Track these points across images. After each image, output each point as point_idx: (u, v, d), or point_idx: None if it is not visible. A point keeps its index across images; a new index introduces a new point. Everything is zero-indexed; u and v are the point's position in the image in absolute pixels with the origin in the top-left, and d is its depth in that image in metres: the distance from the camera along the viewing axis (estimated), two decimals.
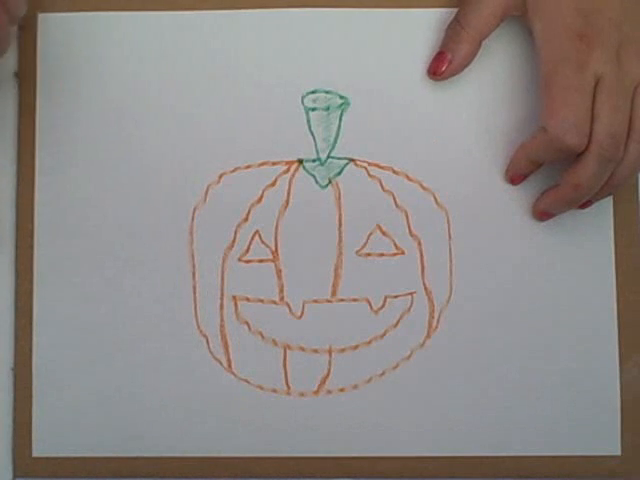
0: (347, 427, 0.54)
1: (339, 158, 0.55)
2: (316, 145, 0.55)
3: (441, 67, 0.53)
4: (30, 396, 0.54)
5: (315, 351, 0.54)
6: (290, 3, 0.55)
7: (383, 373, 0.54)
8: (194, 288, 0.55)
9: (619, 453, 0.54)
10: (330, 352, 0.54)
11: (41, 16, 0.55)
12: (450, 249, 0.55)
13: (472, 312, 0.54)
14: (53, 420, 0.54)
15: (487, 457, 0.54)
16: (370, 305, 0.54)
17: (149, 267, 0.55)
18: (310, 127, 0.55)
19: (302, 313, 0.54)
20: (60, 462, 0.54)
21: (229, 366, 0.54)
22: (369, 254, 0.54)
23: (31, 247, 0.55)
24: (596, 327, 0.54)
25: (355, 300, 0.54)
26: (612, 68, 0.49)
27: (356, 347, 0.54)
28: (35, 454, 0.54)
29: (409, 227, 0.54)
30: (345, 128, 0.55)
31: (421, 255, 0.54)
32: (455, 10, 0.53)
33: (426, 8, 0.55)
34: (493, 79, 0.55)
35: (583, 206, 0.53)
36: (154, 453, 0.54)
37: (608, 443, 0.54)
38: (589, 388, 0.54)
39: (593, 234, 0.55)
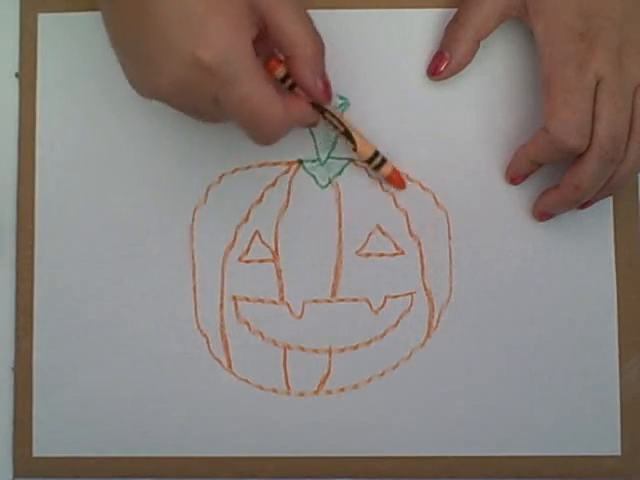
0: (347, 427, 0.54)
1: (339, 158, 0.55)
2: (316, 145, 0.55)
3: (440, 67, 0.53)
4: (30, 396, 0.54)
5: (315, 351, 0.54)
6: None
7: (383, 373, 0.54)
8: (194, 288, 0.55)
9: (619, 453, 0.54)
10: (330, 352, 0.54)
11: (41, 16, 0.55)
12: (450, 249, 0.55)
13: (472, 312, 0.54)
14: (53, 420, 0.54)
15: (487, 457, 0.54)
16: (370, 305, 0.54)
17: (149, 267, 0.55)
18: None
19: (302, 313, 0.54)
20: (60, 462, 0.54)
21: (229, 366, 0.54)
22: (369, 254, 0.54)
23: (31, 247, 0.55)
24: (596, 327, 0.54)
25: (355, 300, 0.54)
26: (613, 68, 0.49)
27: (356, 347, 0.54)
28: (35, 454, 0.54)
29: (409, 227, 0.54)
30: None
31: (421, 255, 0.54)
32: (455, 10, 0.53)
33: (426, 8, 0.55)
34: (493, 79, 0.55)
35: (583, 206, 0.53)
36: (154, 453, 0.54)
37: (608, 443, 0.54)
38: (589, 388, 0.54)
39: (593, 234, 0.55)
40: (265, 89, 0.45)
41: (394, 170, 0.54)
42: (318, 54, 0.48)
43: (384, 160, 0.53)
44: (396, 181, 0.54)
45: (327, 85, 0.49)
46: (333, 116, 0.52)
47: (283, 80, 0.49)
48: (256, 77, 0.45)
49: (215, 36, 0.44)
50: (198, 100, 0.46)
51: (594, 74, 0.49)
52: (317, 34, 0.48)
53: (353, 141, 0.52)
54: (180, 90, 0.45)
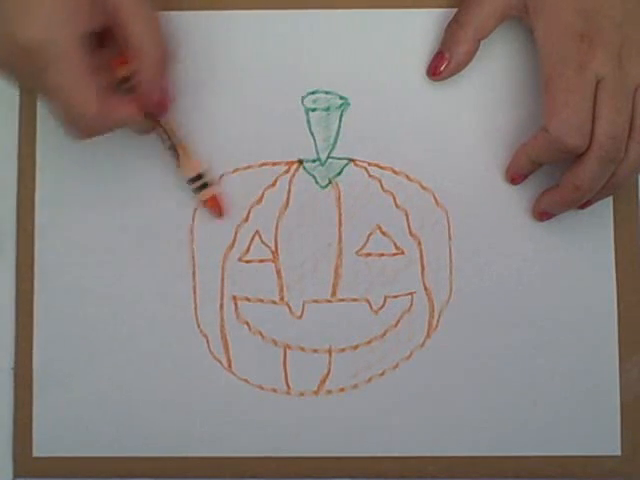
0: (347, 427, 0.54)
1: (339, 158, 0.55)
2: (316, 145, 0.55)
3: (439, 67, 0.53)
4: (30, 396, 0.54)
5: (315, 351, 0.54)
6: (290, 4, 0.55)
7: (383, 373, 0.54)
8: (194, 288, 0.55)
9: (619, 453, 0.54)
10: (330, 352, 0.54)
11: None
12: (450, 249, 0.55)
13: (472, 312, 0.54)
14: (53, 420, 0.54)
15: (487, 457, 0.54)
16: (370, 305, 0.54)
17: (149, 267, 0.55)
18: (310, 127, 0.55)
19: (302, 313, 0.54)
20: (60, 462, 0.54)
21: (229, 366, 0.54)
22: (369, 254, 0.54)
23: (31, 247, 0.55)
24: (596, 327, 0.54)
25: (355, 300, 0.54)
26: (613, 68, 0.49)
27: (356, 347, 0.54)
28: (35, 454, 0.54)
29: (409, 227, 0.55)
30: (345, 128, 0.55)
31: (421, 255, 0.54)
32: (455, 10, 0.53)
33: (426, 8, 0.55)
34: (493, 79, 0.55)
35: (583, 206, 0.53)
36: (154, 453, 0.54)
37: (608, 443, 0.54)
38: (589, 388, 0.54)
39: (593, 234, 0.55)
40: (81, 82, 0.44)
41: (213, 197, 0.53)
42: (160, 63, 0.46)
43: (205, 185, 0.53)
44: (213, 208, 0.53)
45: (163, 98, 0.48)
46: (163, 128, 0.50)
47: (125, 80, 0.48)
48: (73, 68, 0.44)
49: (38, 20, 0.43)
50: (22, 81, 0.46)
51: (594, 74, 0.49)
52: (163, 41, 0.46)
53: (178, 157, 0.52)
54: (2, 68, 0.45)
